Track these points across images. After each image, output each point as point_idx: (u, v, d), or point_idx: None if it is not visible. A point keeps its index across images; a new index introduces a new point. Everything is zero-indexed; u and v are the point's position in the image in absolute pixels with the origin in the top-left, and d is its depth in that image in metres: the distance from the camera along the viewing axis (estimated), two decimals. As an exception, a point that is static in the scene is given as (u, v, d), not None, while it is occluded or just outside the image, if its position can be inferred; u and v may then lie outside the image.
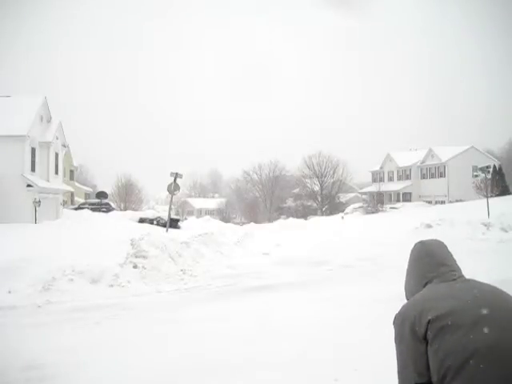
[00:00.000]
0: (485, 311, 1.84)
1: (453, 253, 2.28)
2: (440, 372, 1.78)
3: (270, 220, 60.12)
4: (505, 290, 2.01)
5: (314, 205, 73.18)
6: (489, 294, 1.95)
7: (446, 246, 2.28)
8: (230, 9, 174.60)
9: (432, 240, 2.32)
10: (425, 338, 1.86)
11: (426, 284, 2.13)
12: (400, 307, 2.07)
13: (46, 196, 29.37)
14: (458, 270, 2.18)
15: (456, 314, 1.85)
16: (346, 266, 14.18)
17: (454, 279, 2.09)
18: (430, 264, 2.16)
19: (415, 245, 2.33)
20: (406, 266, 2.38)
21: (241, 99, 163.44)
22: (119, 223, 25.21)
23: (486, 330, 1.78)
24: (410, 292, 2.22)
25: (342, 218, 48.76)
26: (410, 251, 2.34)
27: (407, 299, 2.19)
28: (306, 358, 5.83)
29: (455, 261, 2.24)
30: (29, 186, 27.53)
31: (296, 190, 77.49)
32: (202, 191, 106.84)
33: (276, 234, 23.71)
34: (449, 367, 1.76)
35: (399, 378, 1.96)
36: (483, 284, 2.04)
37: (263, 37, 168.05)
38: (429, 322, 1.86)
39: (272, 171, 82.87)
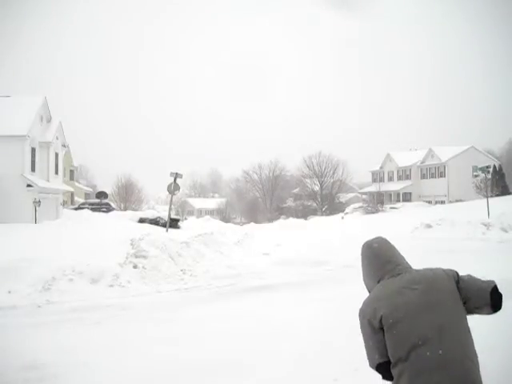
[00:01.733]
0: (422, 301, 2.29)
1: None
2: (395, 355, 2.25)
3: (270, 220, 60.15)
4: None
5: (314, 205, 73.19)
6: (424, 283, 2.37)
7: (388, 243, 2.65)
8: (230, 8, 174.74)
9: (376, 239, 2.67)
10: (381, 329, 2.32)
11: (379, 280, 2.51)
12: (362, 303, 2.49)
13: (46, 196, 29.37)
14: (402, 262, 2.57)
15: (401, 307, 2.30)
16: (346, 265, 14.17)
17: (400, 273, 2.47)
18: (378, 264, 2.53)
19: (363, 246, 2.67)
20: None
21: (241, 99, 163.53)
22: (119, 223, 25.20)
23: (425, 317, 2.24)
24: (368, 288, 2.61)
25: (342, 218, 48.82)
26: (361, 251, 2.68)
27: (369, 292, 2.58)
28: (305, 358, 5.84)
29: (399, 253, 2.63)
30: (29, 185, 27.53)
31: (296, 190, 77.52)
32: (201, 191, 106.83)
33: (276, 234, 23.70)
34: (402, 350, 2.22)
35: (367, 359, 2.41)
36: (420, 273, 2.45)
37: (263, 36, 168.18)
38: (381, 317, 2.31)
39: (272, 171, 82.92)
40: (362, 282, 2.69)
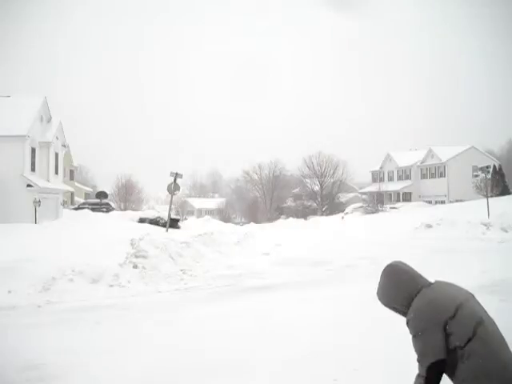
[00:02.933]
0: (463, 298, 2.68)
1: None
2: (464, 337, 2.55)
3: (270, 220, 60.10)
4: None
5: (314, 205, 73.16)
6: (452, 287, 2.80)
7: (407, 263, 2.95)
8: (230, 8, 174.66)
9: (396, 261, 2.97)
10: (444, 328, 2.59)
11: (416, 293, 2.76)
12: (414, 311, 2.71)
13: (46, 196, 29.36)
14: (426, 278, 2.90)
15: (455, 298, 2.65)
16: (346, 265, 14.18)
17: (431, 284, 2.81)
18: (409, 279, 2.81)
19: (387, 267, 2.92)
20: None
21: (241, 99, 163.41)
22: (119, 223, 25.21)
23: (474, 305, 2.66)
24: (396, 303, 2.84)
25: (342, 217, 48.81)
26: (384, 273, 2.92)
27: (389, 306, 2.87)
28: (305, 358, 5.83)
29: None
30: (29, 185, 27.53)
31: (296, 190, 77.48)
32: (201, 191, 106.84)
33: (276, 234, 23.71)
34: (468, 330, 2.55)
35: (424, 359, 2.59)
36: (443, 282, 2.85)
37: (263, 37, 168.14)
38: (442, 314, 2.60)
39: (272, 171, 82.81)
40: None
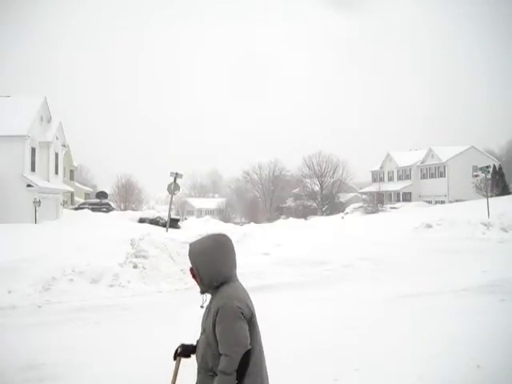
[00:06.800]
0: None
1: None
2: (258, 345, 2.72)
3: (270, 220, 60.10)
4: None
5: (314, 205, 73.15)
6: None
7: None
8: (230, 8, 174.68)
9: (227, 236, 2.70)
10: (249, 322, 2.69)
11: (229, 277, 2.66)
12: (228, 299, 2.63)
13: (46, 196, 29.36)
14: None
15: (252, 307, 2.78)
16: (346, 265, 14.16)
17: (237, 280, 2.75)
18: (232, 261, 2.66)
19: (225, 239, 2.66)
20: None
21: (241, 99, 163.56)
22: (119, 223, 25.20)
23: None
24: (213, 276, 2.64)
25: (342, 217, 48.77)
26: (219, 239, 2.64)
27: (196, 265, 2.63)
28: (305, 358, 5.83)
29: None
30: (29, 185, 27.53)
31: (296, 190, 77.47)
32: (201, 191, 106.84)
33: (276, 234, 23.68)
34: (256, 341, 2.71)
35: (238, 345, 2.60)
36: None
37: (263, 36, 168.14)
38: (251, 312, 2.75)
39: (272, 171, 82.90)
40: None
